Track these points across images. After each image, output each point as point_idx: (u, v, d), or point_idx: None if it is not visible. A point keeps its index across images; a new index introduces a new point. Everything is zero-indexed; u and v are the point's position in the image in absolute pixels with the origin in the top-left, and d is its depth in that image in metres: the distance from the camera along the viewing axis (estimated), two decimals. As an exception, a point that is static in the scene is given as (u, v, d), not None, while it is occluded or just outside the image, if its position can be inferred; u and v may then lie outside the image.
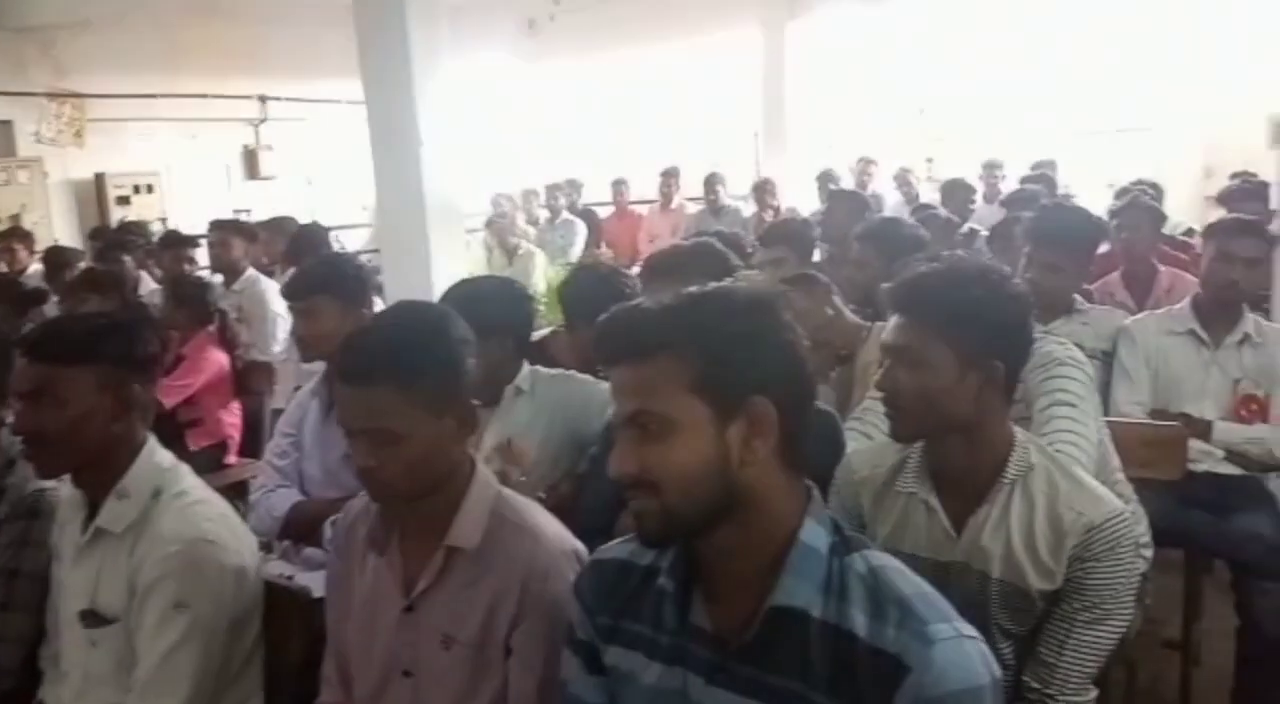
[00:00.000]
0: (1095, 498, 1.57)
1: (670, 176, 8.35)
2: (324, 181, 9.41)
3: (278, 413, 4.35)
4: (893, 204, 7.96)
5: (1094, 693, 1.60)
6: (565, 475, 2.37)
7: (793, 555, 1.14)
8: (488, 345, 2.29)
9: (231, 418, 4.25)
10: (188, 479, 1.83)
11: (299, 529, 2.58)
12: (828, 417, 1.97)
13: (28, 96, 7.69)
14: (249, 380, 4.35)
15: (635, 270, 8.61)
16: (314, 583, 2.50)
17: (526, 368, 2.43)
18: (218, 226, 5.26)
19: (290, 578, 2.56)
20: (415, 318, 1.54)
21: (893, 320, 1.63)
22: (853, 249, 3.28)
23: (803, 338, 1.20)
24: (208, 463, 4.15)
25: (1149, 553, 2.19)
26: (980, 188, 7.51)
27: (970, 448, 1.60)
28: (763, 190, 7.87)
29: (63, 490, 1.91)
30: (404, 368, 1.43)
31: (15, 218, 7.47)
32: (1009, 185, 7.25)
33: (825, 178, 7.80)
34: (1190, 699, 2.74)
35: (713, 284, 1.21)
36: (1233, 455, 2.74)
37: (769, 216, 7.73)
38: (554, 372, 2.46)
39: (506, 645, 1.46)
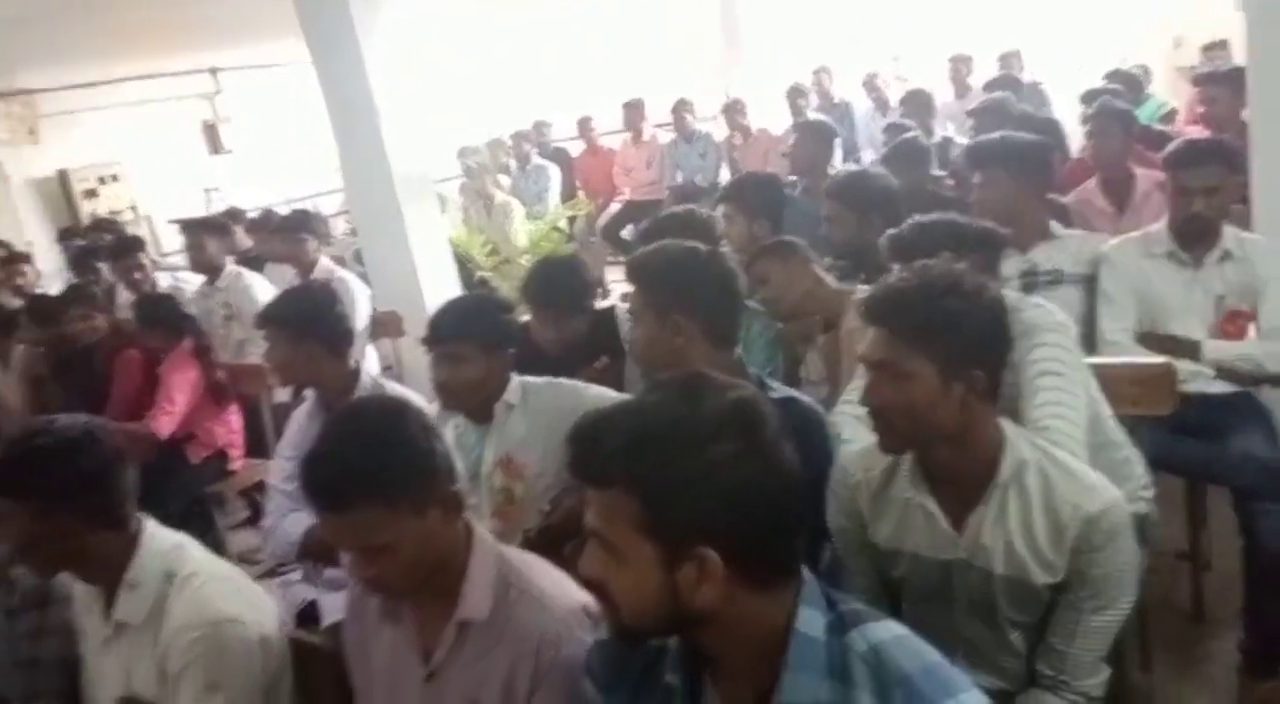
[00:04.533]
0: (1089, 489, 1.57)
1: (634, 108, 8.18)
2: (291, 147, 9.22)
3: (280, 407, 4.38)
4: (863, 112, 7.83)
5: (1107, 672, 1.64)
6: (569, 485, 2.38)
7: (791, 650, 1.12)
8: (502, 357, 2.34)
9: (223, 426, 4.24)
10: (196, 556, 1.84)
11: (315, 551, 2.61)
12: (816, 417, 1.97)
13: (-26, 99, 7.48)
14: (242, 383, 4.34)
15: (614, 209, 8.56)
16: (336, 605, 2.56)
17: (515, 381, 2.41)
18: (186, 228, 5.18)
19: (313, 602, 2.62)
20: (373, 428, 1.48)
21: (870, 333, 1.61)
22: (824, 206, 3.23)
23: (768, 466, 1.10)
24: (214, 472, 4.18)
25: (1149, 494, 2.22)
26: (949, 86, 7.39)
27: (961, 452, 1.60)
28: (733, 111, 7.74)
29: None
30: (380, 488, 1.41)
31: (-16, 227, 7.34)
32: (977, 79, 7.13)
33: (795, 93, 7.64)
34: (1203, 604, 2.82)
35: (672, 402, 1.12)
36: (1223, 372, 2.74)
37: (739, 140, 7.62)
38: (541, 381, 2.44)
39: (528, 709, 1.48)
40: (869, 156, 7.16)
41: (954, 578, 1.66)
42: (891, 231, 2.28)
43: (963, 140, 5.00)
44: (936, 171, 4.38)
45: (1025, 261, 2.91)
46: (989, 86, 5.93)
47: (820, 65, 8.36)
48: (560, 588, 1.55)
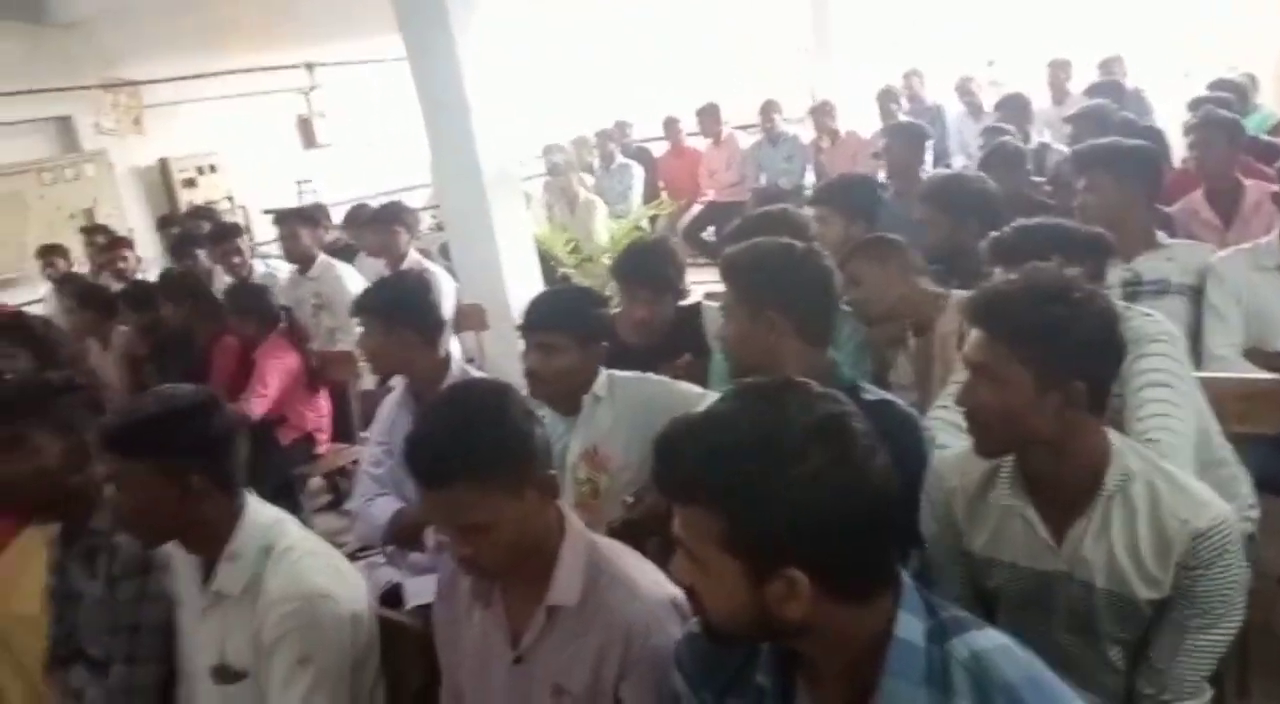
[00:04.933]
0: (1199, 503, 1.52)
1: (708, 114, 8.15)
2: (382, 143, 9.42)
3: (366, 395, 4.49)
4: (955, 115, 7.69)
5: (1209, 693, 1.59)
6: (652, 480, 2.38)
7: (890, 656, 1.10)
8: (595, 349, 2.34)
9: (313, 411, 4.36)
10: (293, 532, 1.89)
11: (401, 535, 2.66)
12: (911, 422, 1.94)
13: (82, 90, 7.77)
14: (331, 370, 4.45)
15: (696, 210, 8.57)
16: (419, 588, 2.61)
17: (604, 374, 2.42)
18: (281, 219, 5.31)
19: (397, 585, 2.67)
20: (475, 409, 1.52)
21: (973, 334, 1.59)
22: (917, 209, 3.18)
23: (857, 482, 1.07)
24: (301, 454, 4.30)
25: (1255, 514, 2.14)
26: (1047, 91, 7.21)
27: (1061, 460, 1.56)
28: (821, 113, 7.67)
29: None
30: (479, 466, 1.44)
31: (89, 212, 7.64)
32: (1076, 85, 6.95)
33: (886, 96, 7.53)
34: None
35: (757, 413, 1.09)
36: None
37: (827, 143, 7.55)
38: (631, 375, 2.45)
39: (615, 697, 1.49)
40: (959, 162, 7.04)
41: (1052, 590, 1.62)
42: (993, 234, 2.23)
43: (1060, 147, 4.89)
44: (1034, 178, 4.29)
45: (1129, 270, 2.83)
46: (1089, 92, 5.77)
47: (911, 68, 8.24)
48: (650, 578, 1.55)
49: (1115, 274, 2.74)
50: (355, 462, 4.57)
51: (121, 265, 6.18)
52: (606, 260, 6.77)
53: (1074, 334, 1.49)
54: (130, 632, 2.01)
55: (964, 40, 9.71)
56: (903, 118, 6.77)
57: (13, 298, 6.84)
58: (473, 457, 1.43)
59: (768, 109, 7.86)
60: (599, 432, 2.38)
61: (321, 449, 4.40)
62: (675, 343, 3.02)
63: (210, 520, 1.82)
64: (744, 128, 8.40)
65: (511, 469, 1.47)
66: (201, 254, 5.56)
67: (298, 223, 5.17)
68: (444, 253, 5.86)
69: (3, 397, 2.19)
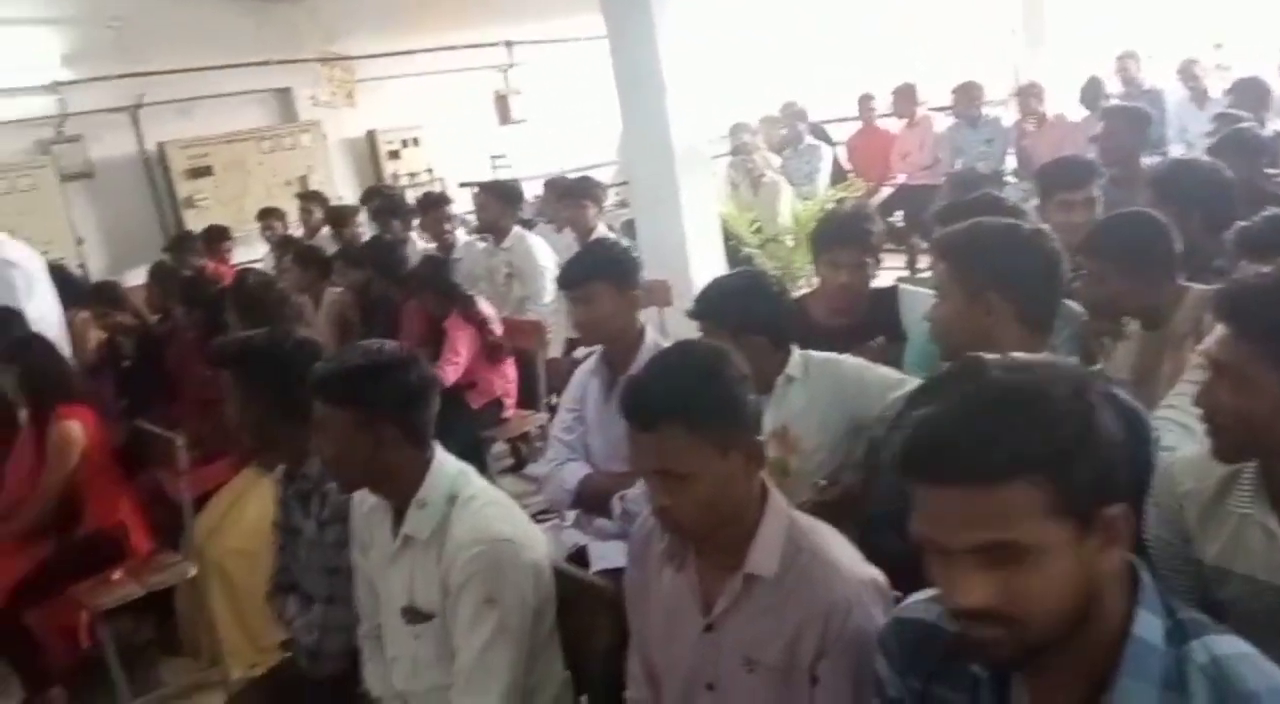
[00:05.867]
0: None
1: (904, 94, 7.90)
2: (572, 120, 9.62)
3: (551, 362, 4.62)
4: (1176, 101, 7.17)
5: None
6: (845, 463, 2.35)
7: (1128, 654, 1.05)
8: (748, 341, 2.28)
9: (500, 377, 4.52)
10: (476, 482, 1.99)
11: (589, 502, 2.74)
12: (1139, 418, 1.82)
13: (303, 63, 8.29)
14: (520, 338, 4.60)
15: (886, 193, 8.36)
16: (605, 552, 2.67)
17: (798, 354, 2.40)
18: (478, 191, 5.52)
19: (583, 548, 2.74)
20: (693, 360, 1.57)
21: (1217, 330, 1.48)
22: (1143, 195, 2.98)
23: (1120, 414, 1.07)
24: (490, 418, 4.48)
25: None
26: (1282, 77, 6.63)
27: None
28: (1028, 95, 7.30)
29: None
30: (688, 410, 1.46)
31: (303, 179, 8.16)
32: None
33: (1093, 88, 7.07)
34: None
35: (1026, 380, 1.04)
36: None
37: (1031, 126, 7.19)
38: (826, 355, 2.41)
39: (811, 674, 1.47)
40: (1177, 152, 6.56)
41: (1295, 608, 1.49)
42: (1241, 224, 2.07)
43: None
44: (1268, 170, 3.94)
45: None
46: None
47: (1126, 50, 7.73)
48: (850, 557, 1.53)
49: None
50: (541, 427, 4.73)
51: (305, 217, 6.62)
52: (790, 242, 6.71)
53: None
54: (332, 574, 2.16)
55: (1188, 21, 9.04)
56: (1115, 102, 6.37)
57: (234, 257, 7.40)
58: (680, 400, 1.47)
59: (967, 90, 7.55)
60: (791, 411, 2.36)
61: (507, 414, 4.57)
62: (869, 325, 2.95)
63: (401, 470, 1.92)
64: (939, 110, 8.11)
65: (721, 425, 1.48)
66: (397, 224, 5.86)
67: (492, 195, 5.35)
68: (627, 230, 5.95)
69: (228, 350, 2.38)
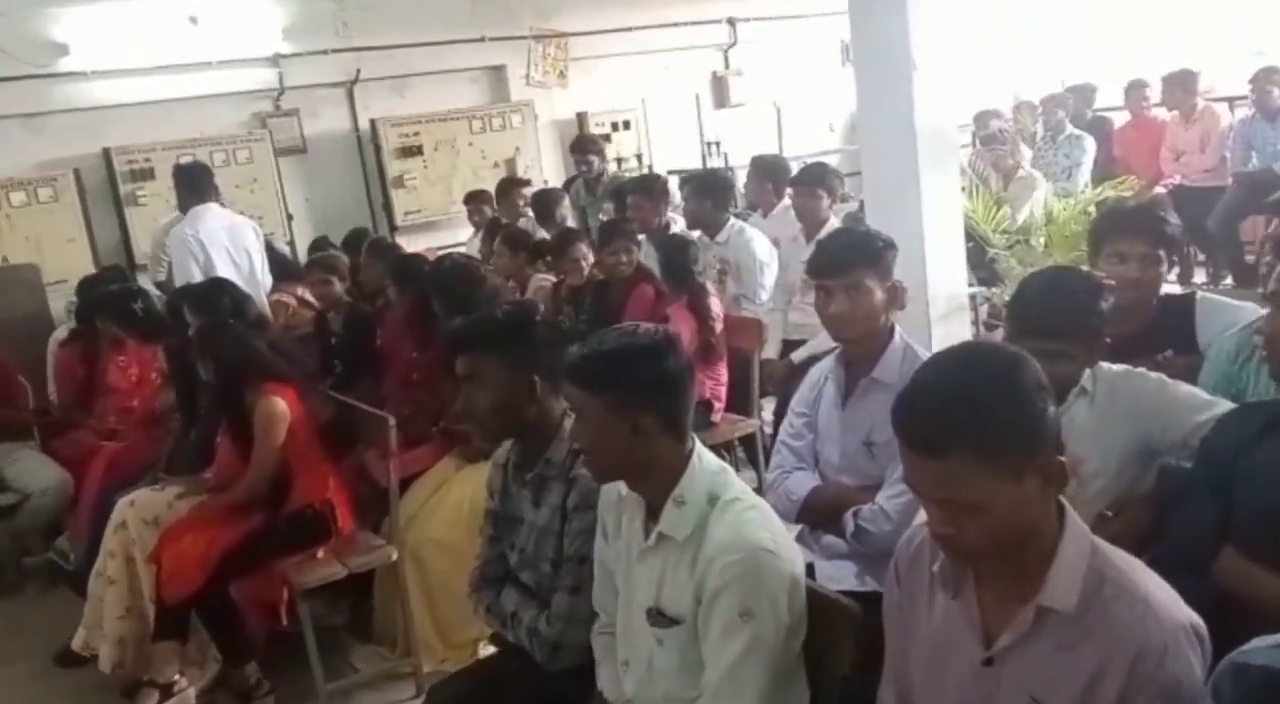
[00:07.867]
0: None
1: (1178, 83, 7.36)
2: (791, 104, 9.55)
3: (765, 363, 4.58)
4: None
5: None
6: (1129, 492, 2.20)
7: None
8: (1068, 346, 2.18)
9: (712, 379, 4.50)
10: (736, 483, 1.97)
11: (817, 515, 2.68)
12: None
13: (517, 40, 8.59)
14: (735, 337, 4.57)
15: (1159, 190, 7.83)
16: (833, 572, 2.61)
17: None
18: (685, 182, 5.55)
19: (809, 566, 2.69)
20: (985, 372, 1.45)
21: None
22: None
23: None
24: (698, 421, 4.41)
25: None
26: None
27: None
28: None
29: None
30: (980, 437, 1.38)
31: (510, 161, 8.46)
32: None
33: None
34: None
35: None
36: None
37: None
38: (1120, 368, 2.27)
39: (1112, 723, 1.39)
40: None
41: None
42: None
43: None
44: None
45: None
46: None
47: None
48: (1166, 594, 1.43)
49: None
50: (751, 435, 4.70)
51: (509, 206, 6.87)
52: (1040, 244, 6.39)
53: None
54: (578, 563, 2.20)
55: None
56: None
57: (438, 239, 7.77)
58: (972, 427, 1.38)
59: (1264, 78, 6.98)
60: (1073, 428, 2.21)
61: (716, 418, 4.55)
62: (1155, 334, 2.76)
63: (659, 462, 1.93)
64: (1227, 99, 7.54)
65: (1016, 448, 1.39)
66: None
67: (698, 190, 5.36)
68: (850, 224, 5.81)
69: (477, 330, 2.44)
